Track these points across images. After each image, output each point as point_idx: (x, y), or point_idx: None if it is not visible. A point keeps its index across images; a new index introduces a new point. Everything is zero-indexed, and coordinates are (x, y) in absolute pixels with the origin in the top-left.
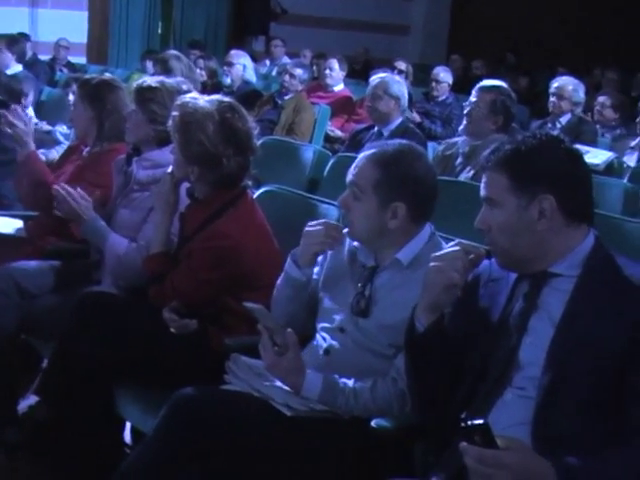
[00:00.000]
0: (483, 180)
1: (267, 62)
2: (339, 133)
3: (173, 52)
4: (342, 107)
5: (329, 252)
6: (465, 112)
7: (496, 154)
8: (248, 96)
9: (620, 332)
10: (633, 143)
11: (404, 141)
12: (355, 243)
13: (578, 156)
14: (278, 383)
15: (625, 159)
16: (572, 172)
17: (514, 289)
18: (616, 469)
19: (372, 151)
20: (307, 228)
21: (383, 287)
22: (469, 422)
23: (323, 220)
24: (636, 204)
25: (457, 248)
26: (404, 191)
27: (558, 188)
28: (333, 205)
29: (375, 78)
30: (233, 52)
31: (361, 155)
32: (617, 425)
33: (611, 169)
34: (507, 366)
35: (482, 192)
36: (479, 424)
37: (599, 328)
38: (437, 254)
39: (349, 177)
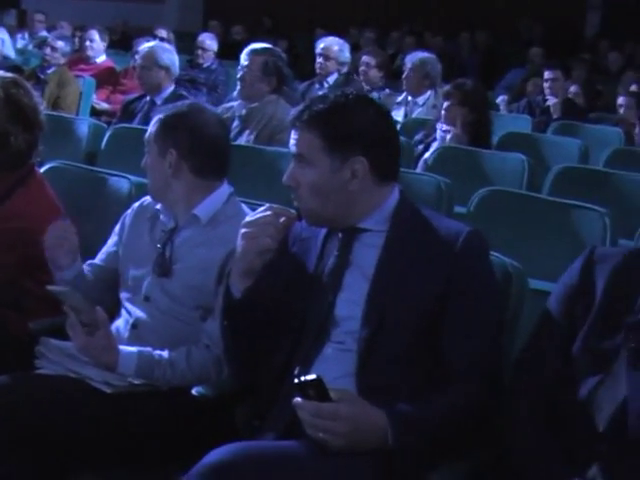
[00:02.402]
0: (293, 137)
1: (26, 36)
2: (105, 105)
3: None
4: (106, 78)
5: (127, 223)
6: (238, 76)
7: (307, 112)
8: (9, 72)
9: (432, 283)
10: (399, 99)
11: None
12: (157, 206)
13: (387, 115)
14: None
15: (392, 114)
16: (383, 133)
17: (324, 246)
18: (440, 411)
19: None
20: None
21: (184, 245)
22: (302, 378)
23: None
24: (411, 157)
25: (268, 213)
26: (175, 138)
27: (370, 150)
28: (123, 177)
29: (144, 47)
30: None
31: None
32: (435, 370)
33: None
34: (324, 322)
35: (293, 149)
36: (313, 379)
37: (412, 279)
38: (248, 220)
39: None
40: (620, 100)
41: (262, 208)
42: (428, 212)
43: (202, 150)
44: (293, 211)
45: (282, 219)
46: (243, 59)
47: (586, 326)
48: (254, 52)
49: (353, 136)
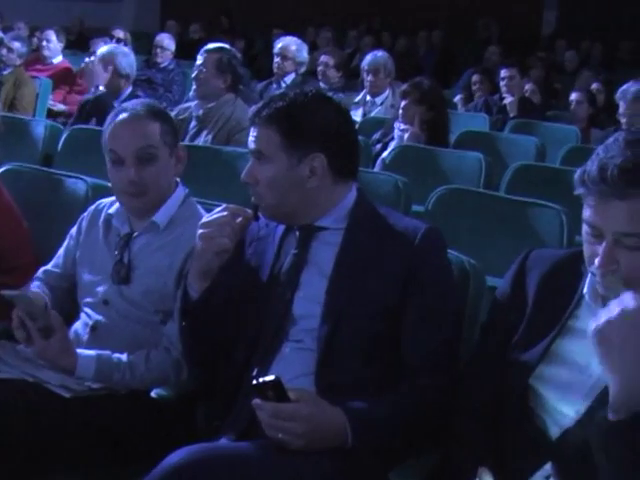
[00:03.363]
0: (252, 134)
1: None
2: (62, 107)
3: None
4: (63, 79)
5: (84, 226)
6: (193, 76)
7: (266, 109)
8: None
9: (390, 280)
10: (357, 98)
11: None
12: (110, 210)
13: (346, 113)
14: None
15: (351, 114)
16: (342, 131)
17: (281, 245)
18: (399, 409)
19: None
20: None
21: (141, 252)
22: (260, 379)
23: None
24: (369, 156)
25: (225, 213)
26: None
27: (329, 147)
28: (80, 178)
29: (102, 50)
30: None
31: None
32: (394, 367)
33: None
34: (282, 321)
35: (251, 145)
36: (271, 380)
37: (370, 277)
38: (205, 220)
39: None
40: (572, 96)
41: (219, 208)
42: (386, 210)
43: None
44: (250, 211)
45: (239, 219)
46: (198, 59)
47: (517, 335)
48: (208, 51)
49: (312, 133)
